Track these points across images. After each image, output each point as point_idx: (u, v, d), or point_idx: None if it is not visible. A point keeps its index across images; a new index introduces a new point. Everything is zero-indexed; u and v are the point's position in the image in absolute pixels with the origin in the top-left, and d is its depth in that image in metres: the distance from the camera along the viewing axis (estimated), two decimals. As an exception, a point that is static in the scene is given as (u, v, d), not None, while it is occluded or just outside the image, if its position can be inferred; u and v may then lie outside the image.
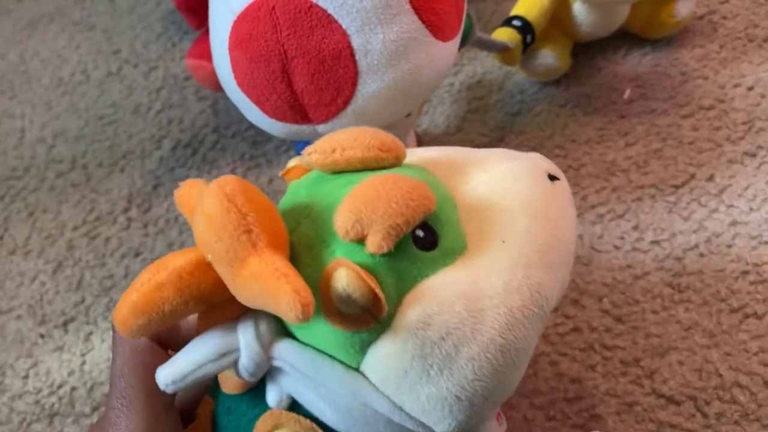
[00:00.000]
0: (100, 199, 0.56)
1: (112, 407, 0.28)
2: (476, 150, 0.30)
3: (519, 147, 0.51)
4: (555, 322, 0.42)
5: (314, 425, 0.26)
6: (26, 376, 0.47)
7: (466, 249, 0.25)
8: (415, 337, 0.23)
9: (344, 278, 0.22)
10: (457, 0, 0.36)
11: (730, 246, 0.43)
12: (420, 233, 0.24)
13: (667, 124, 0.50)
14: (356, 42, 0.33)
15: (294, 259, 0.24)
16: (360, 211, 0.23)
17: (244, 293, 0.23)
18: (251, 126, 0.58)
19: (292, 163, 0.29)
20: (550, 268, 0.26)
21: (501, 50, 0.50)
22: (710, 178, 0.47)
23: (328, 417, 0.25)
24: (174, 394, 0.29)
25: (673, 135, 0.49)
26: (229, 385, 0.28)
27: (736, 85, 0.51)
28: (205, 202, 0.23)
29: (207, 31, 0.51)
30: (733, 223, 0.44)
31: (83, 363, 0.47)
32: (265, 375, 0.27)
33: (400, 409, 0.24)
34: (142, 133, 0.60)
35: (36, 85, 0.68)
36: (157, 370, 0.26)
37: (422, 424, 0.25)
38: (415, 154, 0.29)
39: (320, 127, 0.35)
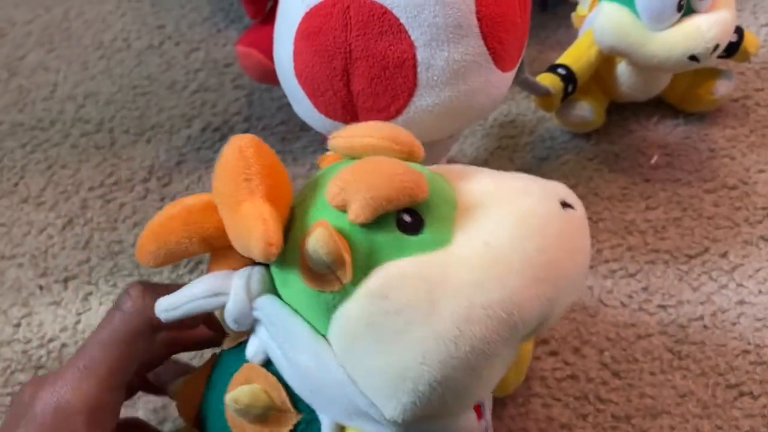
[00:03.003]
0: (122, 165, 0.57)
1: (74, 366, 0.29)
2: (500, 171, 0.30)
3: (542, 191, 0.52)
4: (553, 366, 0.43)
5: (279, 385, 0.27)
6: (18, 325, 0.47)
7: (449, 245, 0.25)
8: (371, 305, 0.24)
9: (316, 234, 0.24)
10: (522, 35, 0.37)
11: (734, 324, 0.44)
12: (406, 218, 0.25)
13: (689, 195, 0.51)
14: (421, 55, 0.33)
15: (292, 224, 0.27)
16: (347, 181, 0.25)
17: (232, 233, 0.25)
18: (283, 122, 0.59)
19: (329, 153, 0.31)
20: (530, 282, 0.25)
21: (542, 94, 0.51)
22: (724, 255, 0.47)
23: (289, 376, 0.27)
24: (124, 380, 0.30)
25: (694, 206, 0.50)
26: (227, 341, 0.30)
27: (761, 171, 0.52)
28: (224, 151, 0.26)
29: (263, 22, 0.52)
30: (741, 302, 0.45)
31: (78, 322, 0.47)
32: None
33: (353, 382, 0.25)
34: (174, 109, 0.61)
35: (75, 44, 0.68)
36: (159, 299, 0.28)
37: (372, 405, 0.25)
38: (440, 167, 0.30)
39: (367, 131, 0.36)
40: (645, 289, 0.46)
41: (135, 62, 0.66)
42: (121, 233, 0.52)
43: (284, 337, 0.26)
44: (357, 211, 0.24)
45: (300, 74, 0.36)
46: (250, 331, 0.28)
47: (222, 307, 0.27)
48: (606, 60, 0.53)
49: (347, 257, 0.24)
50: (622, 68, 0.53)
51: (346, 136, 0.28)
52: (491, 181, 0.28)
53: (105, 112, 0.61)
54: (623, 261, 0.48)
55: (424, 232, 0.25)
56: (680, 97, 0.56)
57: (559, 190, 0.28)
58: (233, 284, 0.27)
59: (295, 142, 0.57)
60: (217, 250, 0.28)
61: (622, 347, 0.43)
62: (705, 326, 0.44)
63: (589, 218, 0.50)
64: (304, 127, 0.56)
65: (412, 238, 0.25)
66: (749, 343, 0.43)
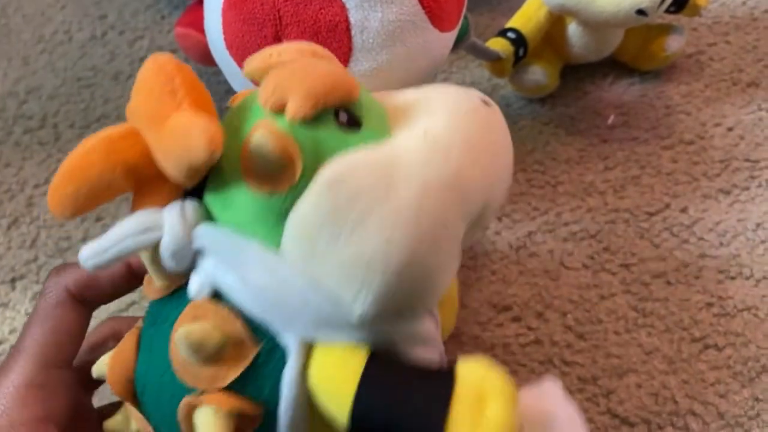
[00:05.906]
0: (67, 159, 0.55)
1: (10, 354, 0.28)
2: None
3: (499, 158, 0.51)
4: (517, 332, 0.42)
5: (231, 314, 0.25)
6: (-36, 330, 0.45)
7: (390, 138, 0.25)
8: (327, 195, 0.23)
9: (259, 132, 0.23)
10: (459, -7, 0.35)
11: (697, 277, 0.44)
12: (343, 116, 0.25)
13: (647, 153, 0.50)
14: (354, 17, 0.32)
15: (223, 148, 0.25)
16: (280, 79, 0.24)
17: (162, 150, 0.23)
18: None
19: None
20: (473, 162, 0.25)
21: (493, 59, 0.50)
22: (684, 210, 0.47)
23: (243, 298, 0.25)
24: (72, 357, 0.29)
25: (652, 164, 0.50)
26: (152, 290, 0.27)
27: (717, 125, 0.52)
28: (141, 70, 0.24)
29: (200, 2, 0.51)
30: (702, 256, 0.44)
31: (27, 322, 0.45)
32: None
33: (317, 286, 0.24)
34: (120, 99, 0.59)
35: (15, 40, 0.66)
36: (83, 247, 0.25)
37: (339, 303, 0.24)
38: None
39: (306, 102, 0.35)
40: (606, 249, 0.45)
41: (78, 54, 0.64)
42: (69, 230, 0.50)
43: (234, 260, 0.25)
44: (296, 107, 0.23)
45: (231, 46, 0.34)
46: (182, 278, 0.26)
47: (150, 250, 0.25)
48: (557, 21, 0.52)
49: (296, 152, 0.23)
50: (573, 29, 0.52)
51: (261, 57, 0.27)
52: (413, 90, 0.28)
53: (48, 107, 0.59)
54: (583, 222, 0.47)
55: (363, 129, 0.25)
56: (633, 55, 0.55)
57: (477, 92, 0.29)
58: (166, 217, 0.25)
59: (246, 125, 0.56)
60: (139, 187, 0.25)
61: (585, 309, 0.43)
62: (668, 282, 0.44)
63: (548, 182, 0.49)
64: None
65: (354, 134, 0.25)
66: (712, 296, 0.42)
